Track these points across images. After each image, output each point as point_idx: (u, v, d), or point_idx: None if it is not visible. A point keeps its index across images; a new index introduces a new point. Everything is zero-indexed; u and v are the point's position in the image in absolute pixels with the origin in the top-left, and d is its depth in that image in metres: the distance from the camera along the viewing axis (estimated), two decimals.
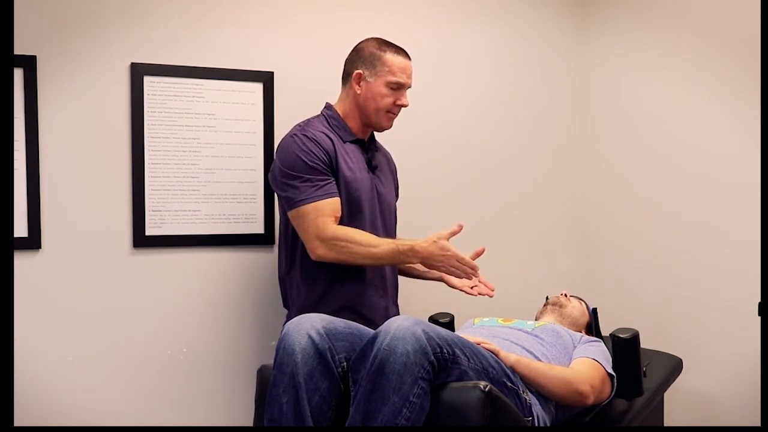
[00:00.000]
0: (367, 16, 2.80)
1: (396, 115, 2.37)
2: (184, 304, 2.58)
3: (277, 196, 2.38)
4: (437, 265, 2.21)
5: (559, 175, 3.17)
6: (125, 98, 2.50)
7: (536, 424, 1.96)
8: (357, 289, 2.31)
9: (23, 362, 2.35)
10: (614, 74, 3.09)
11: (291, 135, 2.30)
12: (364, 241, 2.21)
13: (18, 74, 2.36)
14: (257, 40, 2.66)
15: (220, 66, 2.59)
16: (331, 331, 1.88)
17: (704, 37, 2.72)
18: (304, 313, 2.04)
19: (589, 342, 2.28)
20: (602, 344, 2.28)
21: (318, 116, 2.39)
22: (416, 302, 2.65)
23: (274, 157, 2.37)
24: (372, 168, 2.39)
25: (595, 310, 2.57)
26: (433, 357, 1.73)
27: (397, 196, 2.54)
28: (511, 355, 2.02)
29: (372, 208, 2.35)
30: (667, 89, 2.86)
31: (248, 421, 2.34)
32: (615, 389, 2.19)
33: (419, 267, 2.32)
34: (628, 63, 3.02)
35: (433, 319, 2.55)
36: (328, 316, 1.95)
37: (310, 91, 2.61)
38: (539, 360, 2.10)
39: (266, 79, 2.65)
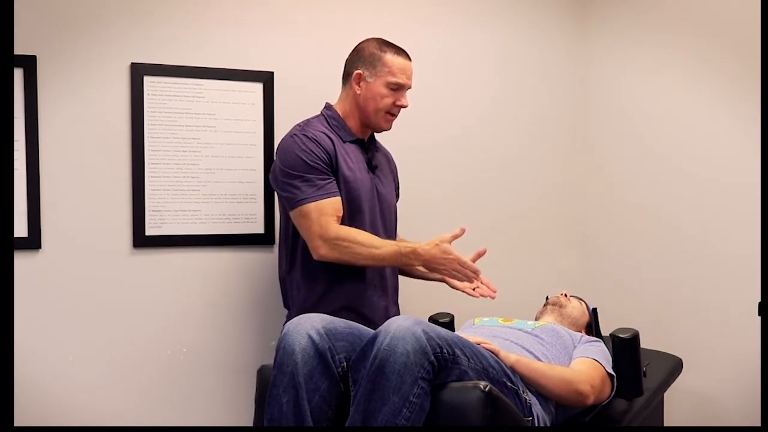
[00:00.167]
0: (367, 16, 2.80)
1: (395, 116, 2.37)
2: (184, 304, 2.58)
3: (278, 195, 2.38)
4: (439, 268, 2.22)
5: (559, 175, 3.17)
6: (125, 98, 2.50)
7: (536, 424, 1.96)
8: (357, 289, 2.31)
9: (23, 362, 2.35)
10: (614, 74, 3.09)
11: (291, 135, 2.30)
12: (367, 242, 2.21)
13: (18, 74, 2.36)
14: (257, 40, 2.66)
15: (220, 66, 2.59)
16: (331, 331, 1.88)
17: (704, 37, 2.72)
18: (304, 312, 2.05)
19: (589, 342, 2.28)
20: (602, 344, 2.28)
21: (318, 116, 2.39)
22: (416, 302, 2.65)
23: (275, 157, 2.37)
24: (372, 168, 2.39)
25: (595, 310, 2.58)
26: (433, 357, 1.73)
27: (397, 196, 2.54)
28: (511, 355, 2.02)
29: (372, 208, 2.35)
30: (667, 89, 2.86)
31: (248, 421, 2.34)
32: (615, 389, 2.19)
33: (420, 268, 2.32)
34: (628, 63, 3.02)
35: (433, 319, 2.55)
36: (328, 316, 1.95)
37: (310, 91, 2.61)
38: (539, 360, 2.10)
39: (266, 79, 2.65)
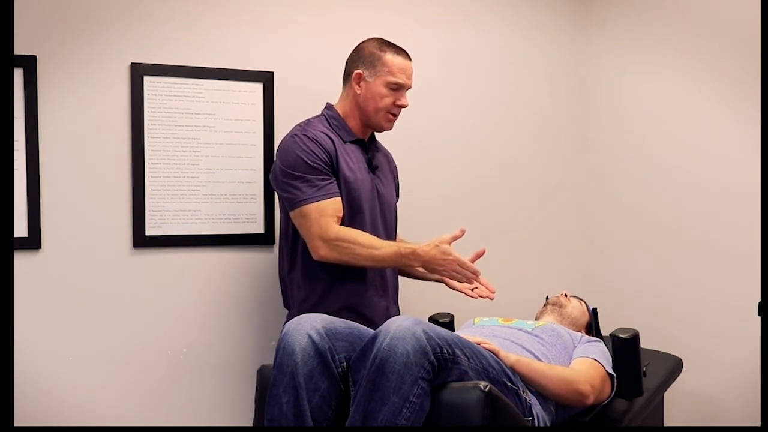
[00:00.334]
0: (367, 16, 2.80)
1: (396, 116, 2.37)
2: (184, 304, 2.58)
3: (279, 196, 2.38)
4: (439, 269, 2.22)
5: (559, 174, 3.17)
6: (125, 98, 2.50)
7: (536, 424, 1.96)
8: (357, 289, 2.31)
9: (23, 362, 2.35)
10: (614, 74, 3.09)
11: (291, 135, 2.30)
12: (367, 243, 2.21)
13: (18, 74, 2.36)
14: (257, 40, 2.66)
15: (220, 66, 2.59)
16: (331, 331, 1.88)
17: (704, 37, 2.72)
18: (304, 312, 2.05)
19: (589, 342, 2.28)
20: (602, 344, 2.28)
21: (318, 116, 2.39)
22: (416, 302, 2.65)
23: (275, 157, 2.37)
24: (372, 168, 2.39)
25: (595, 310, 2.57)
26: (433, 357, 1.73)
27: (397, 196, 2.54)
28: (511, 354, 2.02)
29: (372, 208, 2.35)
30: (668, 89, 2.86)
31: (248, 421, 2.34)
32: (615, 389, 2.19)
33: (420, 268, 2.32)
34: (628, 63, 3.02)
35: (433, 319, 2.55)
36: (328, 316, 1.95)
37: (310, 91, 2.61)
38: (539, 360, 2.10)
39: (266, 79, 2.65)
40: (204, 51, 2.58)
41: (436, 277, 2.39)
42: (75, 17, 2.44)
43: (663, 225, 2.89)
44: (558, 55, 3.15)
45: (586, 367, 2.12)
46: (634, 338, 2.24)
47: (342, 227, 2.23)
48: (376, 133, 2.46)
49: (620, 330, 2.27)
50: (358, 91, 2.32)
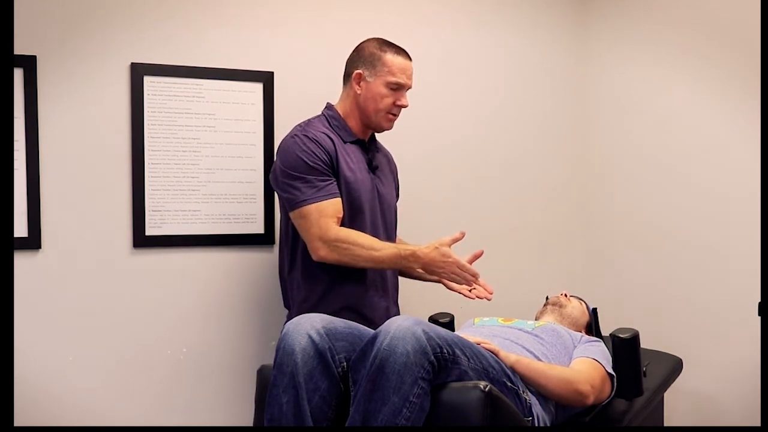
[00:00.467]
0: (367, 16, 2.80)
1: (396, 116, 2.37)
2: (184, 304, 2.58)
3: (279, 196, 2.38)
4: (438, 271, 2.22)
5: (559, 174, 3.17)
6: (125, 98, 2.50)
7: (536, 424, 1.96)
8: (358, 289, 2.31)
9: (23, 362, 2.35)
10: (614, 73, 3.09)
11: (292, 135, 2.30)
12: (367, 244, 2.21)
13: (18, 74, 2.36)
14: (257, 40, 2.66)
15: (220, 66, 2.59)
16: (331, 331, 1.88)
17: (704, 36, 2.72)
18: (304, 312, 2.05)
19: (589, 342, 2.28)
20: (602, 344, 2.28)
21: (319, 116, 2.39)
22: (416, 302, 2.65)
23: (275, 157, 2.37)
24: (372, 168, 2.38)
25: (595, 310, 2.57)
26: (433, 357, 1.73)
27: (397, 196, 2.54)
28: (511, 354, 2.02)
29: (372, 208, 2.35)
30: (668, 88, 2.86)
31: (248, 421, 2.34)
32: (615, 389, 2.19)
33: (419, 269, 2.32)
34: (628, 62, 3.02)
35: (433, 319, 2.55)
36: (328, 316, 1.95)
37: (310, 91, 2.61)
38: (539, 360, 2.10)
39: (266, 79, 2.65)
40: (204, 51, 2.58)
41: (435, 277, 2.39)
42: (75, 17, 2.44)
43: (661, 225, 2.89)
44: (558, 54, 3.15)
45: (586, 367, 2.12)
46: (634, 338, 2.24)
47: (342, 228, 2.23)
48: (376, 134, 2.46)
49: (620, 330, 2.27)
50: (359, 91, 2.32)
